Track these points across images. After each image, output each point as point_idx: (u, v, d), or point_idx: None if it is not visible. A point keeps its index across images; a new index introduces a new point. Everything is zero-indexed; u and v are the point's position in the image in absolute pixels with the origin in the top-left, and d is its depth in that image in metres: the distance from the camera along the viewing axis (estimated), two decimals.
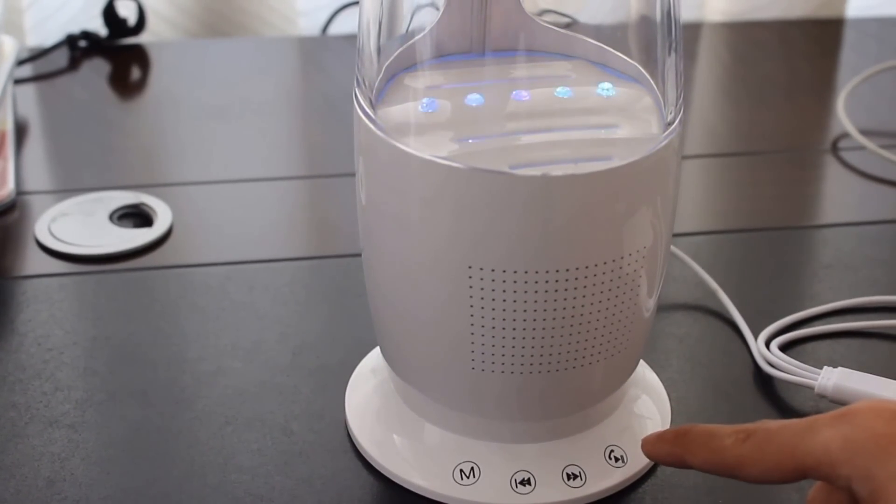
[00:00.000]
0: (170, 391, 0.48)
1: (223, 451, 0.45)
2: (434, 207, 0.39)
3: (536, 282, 0.39)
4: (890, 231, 0.61)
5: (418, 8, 0.43)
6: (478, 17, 0.44)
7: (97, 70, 0.77)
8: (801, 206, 0.64)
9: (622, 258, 0.40)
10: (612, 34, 0.43)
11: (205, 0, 0.87)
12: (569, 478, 0.43)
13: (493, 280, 0.39)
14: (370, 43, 0.42)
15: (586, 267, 0.39)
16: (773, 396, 0.48)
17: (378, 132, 0.40)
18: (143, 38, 0.80)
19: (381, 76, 0.42)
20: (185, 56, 0.81)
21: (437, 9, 0.43)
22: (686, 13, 0.87)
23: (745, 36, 0.86)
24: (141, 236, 0.58)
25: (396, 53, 0.42)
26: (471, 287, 0.39)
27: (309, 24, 0.86)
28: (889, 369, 0.48)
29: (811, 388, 0.47)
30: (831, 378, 0.47)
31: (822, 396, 0.47)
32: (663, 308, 0.53)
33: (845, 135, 0.68)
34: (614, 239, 0.40)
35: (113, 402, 0.47)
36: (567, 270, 0.39)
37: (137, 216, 0.60)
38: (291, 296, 0.54)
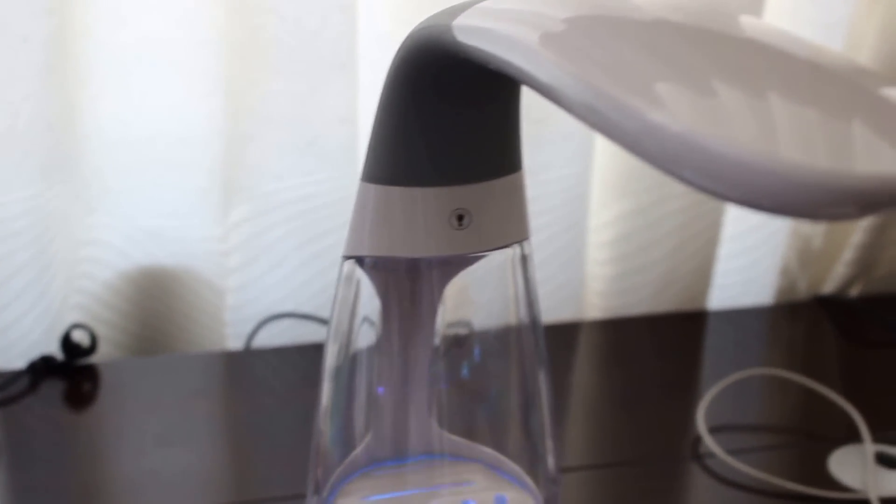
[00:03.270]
0: None
1: None
2: None
3: None
4: None
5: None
6: (400, 427, 0.55)
7: (55, 390, 0.88)
8: None
9: None
10: (505, 437, 0.55)
11: (144, 309, 0.99)
12: None
13: None
14: (323, 462, 0.53)
15: None
16: None
17: None
18: (95, 357, 0.91)
19: (327, 488, 0.53)
20: (129, 374, 0.92)
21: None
22: (567, 312, 1.00)
23: (621, 332, 0.99)
24: None
25: (339, 469, 0.54)
26: None
27: (235, 333, 0.97)
28: None
29: None
30: None
31: None
32: None
33: (702, 440, 0.81)
34: None
35: None
36: None
37: None
38: None
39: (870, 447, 0.80)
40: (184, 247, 0.96)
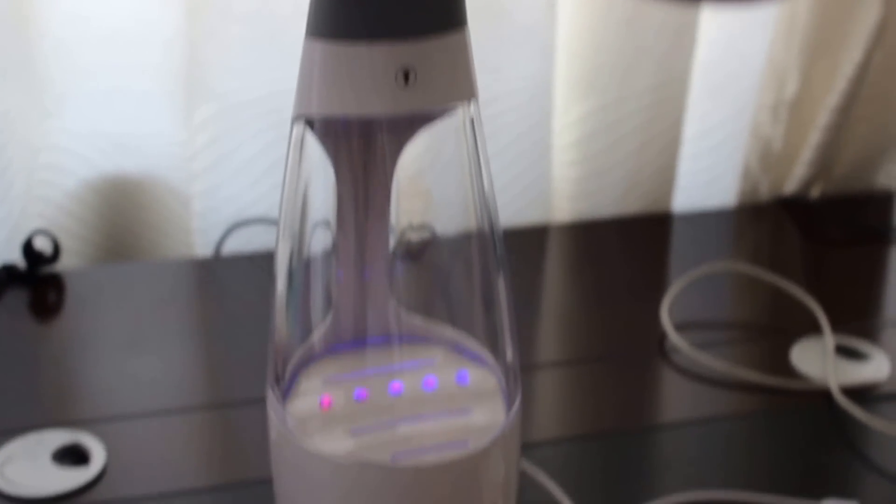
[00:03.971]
0: None
1: None
2: (331, 490, 0.51)
3: None
4: (703, 429, 0.75)
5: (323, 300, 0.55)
6: (359, 309, 0.56)
7: (19, 299, 0.88)
8: (634, 409, 0.77)
9: None
10: (464, 310, 0.56)
11: (109, 220, 0.98)
12: None
13: None
14: (281, 348, 0.54)
15: None
16: None
17: (286, 431, 0.52)
18: (59, 266, 0.91)
19: (287, 373, 0.54)
20: (95, 282, 0.91)
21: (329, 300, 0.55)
22: (536, 215, 1.01)
23: (588, 235, 1.00)
24: (81, 475, 0.68)
25: (298, 353, 0.54)
26: None
27: (203, 242, 0.97)
28: None
29: None
30: None
31: None
32: None
33: (668, 336, 0.82)
34: (475, 500, 0.52)
35: None
36: None
37: (75, 453, 0.70)
38: None
39: (830, 339, 0.82)
40: (148, 154, 0.95)
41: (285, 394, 0.53)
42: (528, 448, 0.71)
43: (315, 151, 0.51)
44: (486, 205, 0.53)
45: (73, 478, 0.68)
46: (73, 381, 0.79)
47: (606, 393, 0.78)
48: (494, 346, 0.55)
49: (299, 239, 0.53)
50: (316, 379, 0.54)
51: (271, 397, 0.53)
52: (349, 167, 0.51)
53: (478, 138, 0.52)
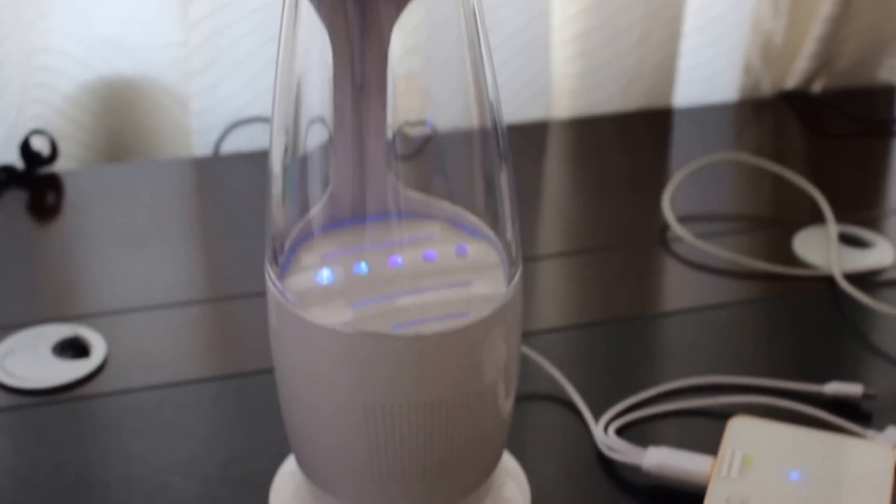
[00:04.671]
0: None
1: None
2: (334, 362, 0.50)
3: (417, 412, 0.51)
4: (706, 317, 0.74)
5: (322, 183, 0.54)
6: (358, 186, 0.55)
7: (17, 200, 0.87)
8: (636, 298, 0.77)
9: (483, 385, 0.52)
10: (464, 190, 0.55)
11: (107, 124, 0.97)
12: None
13: (383, 413, 0.51)
14: (279, 222, 0.53)
15: (455, 397, 0.51)
16: (613, 476, 0.60)
17: (286, 303, 0.51)
18: (56, 167, 0.90)
19: (286, 248, 0.53)
20: (94, 182, 0.91)
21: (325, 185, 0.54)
22: (536, 112, 1.00)
23: (589, 130, 0.99)
24: (81, 367, 0.68)
25: (297, 228, 0.54)
26: (366, 418, 0.51)
27: (202, 143, 0.96)
28: (702, 443, 0.60)
29: (640, 467, 0.60)
30: (655, 458, 0.59)
31: (648, 473, 0.59)
32: (521, 402, 0.64)
33: (670, 226, 0.82)
34: (476, 374, 0.51)
35: None
36: (440, 402, 0.51)
37: (75, 346, 0.70)
38: (217, 413, 0.65)
39: (833, 227, 0.81)
40: (144, 54, 0.94)
41: (283, 270, 0.53)
42: (531, 336, 0.70)
43: (310, 21, 0.50)
44: (487, 95, 0.52)
45: (74, 370, 0.68)
46: (72, 278, 0.79)
47: (609, 283, 0.78)
48: (495, 222, 0.54)
49: (295, 95, 0.52)
50: (314, 254, 0.53)
51: (269, 272, 0.53)
52: (345, 35, 0.50)
53: (478, 20, 0.51)
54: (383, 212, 0.55)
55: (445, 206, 0.55)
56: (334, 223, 0.55)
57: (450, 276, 0.53)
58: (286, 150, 0.53)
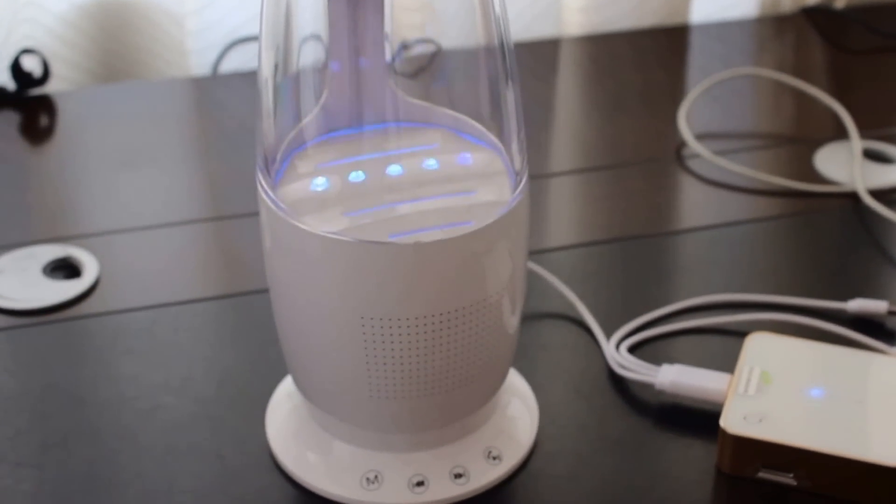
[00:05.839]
0: (115, 429, 0.56)
1: (167, 478, 0.53)
2: (329, 272, 0.48)
3: (417, 325, 0.48)
4: (724, 234, 0.71)
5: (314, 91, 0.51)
6: (355, 95, 0.52)
7: (9, 122, 0.84)
8: (651, 216, 0.74)
9: (486, 298, 0.49)
10: (468, 101, 0.52)
11: (101, 45, 0.94)
12: (456, 477, 0.52)
13: (381, 326, 0.48)
14: (271, 131, 0.50)
15: (456, 310, 0.48)
16: (624, 394, 0.58)
17: (279, 211, 0.48)
18: (48, 89, 0.87)
19: (278, 158, 0.50)
20: (88, 103, 0.87)
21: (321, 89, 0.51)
22: (546, 30, 0.97)
23: (602, 48, 0.95)
24: (73, 288, 0.65)
25: (290, 136, 0.51)
26: (364, 332, 0.48)
27: (199, 63, 0.93)
28: (718, 362, 0.58)
29: (653, 385, 0.57)
30: (668, 375, 0.56)
31: (661, 391, 0.57)
32: (529, 320, 0.62)
33: (686, 143, 0.78)
34: (478, 286, 0.49)
35: (68, 442, 0.55)
36: (441, 314, 0.48)
37: (67, 267, 0.68)
38: (212, 333, 0.62)
39: (857, 142, 0.78)
40: None
41: (276, 179, 0.50)
42: (542, 254, 0.68)
43: None
44: (494, 9, 0.49)
45: (65, 290, 0.65)
46: (65, 200, 0.76)
47: (623, 200, 0.75)
48: (500, 131, 0.51)
49: (284, 30, 0.49)
50: (309, 163, 0.51)
51: (261, 181, 0.50)
52: None
53: None
54: (382, 121, 0.52)
55: (448, 114, 0.52)
56: (331, 133, 0.52)
57: (452, 184, 0.50)
58: (276, 67, 0.50)
